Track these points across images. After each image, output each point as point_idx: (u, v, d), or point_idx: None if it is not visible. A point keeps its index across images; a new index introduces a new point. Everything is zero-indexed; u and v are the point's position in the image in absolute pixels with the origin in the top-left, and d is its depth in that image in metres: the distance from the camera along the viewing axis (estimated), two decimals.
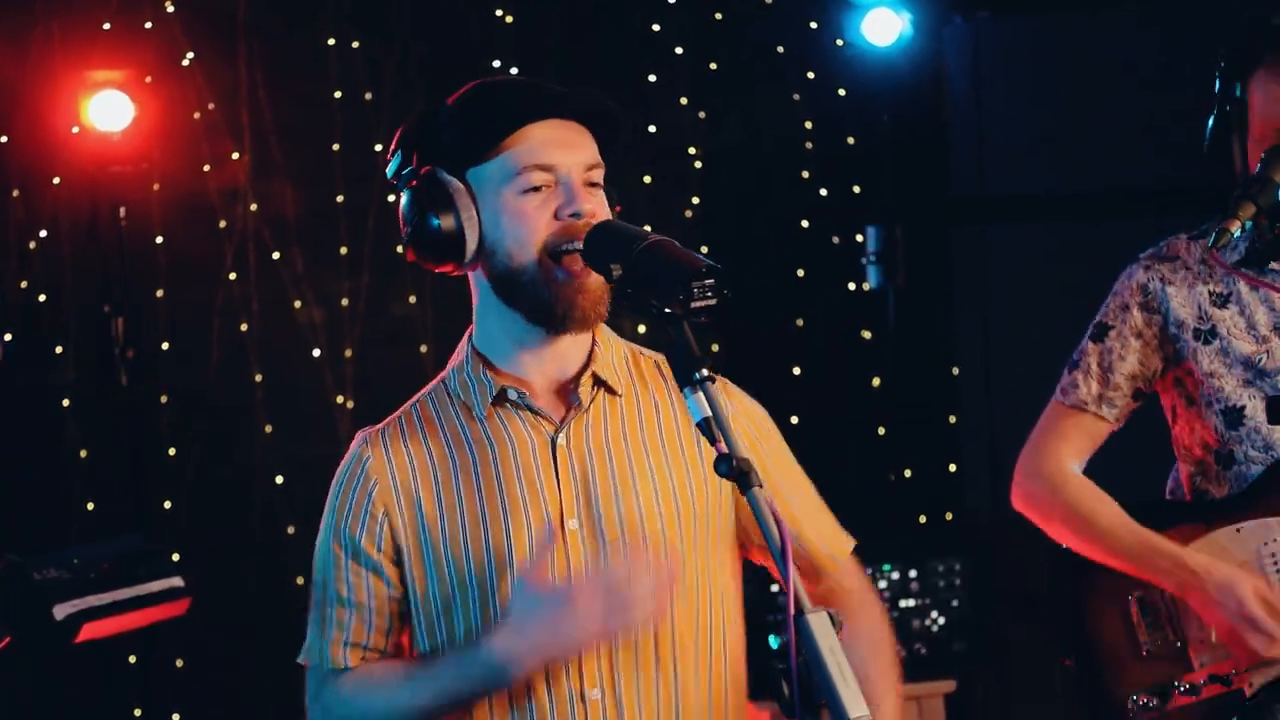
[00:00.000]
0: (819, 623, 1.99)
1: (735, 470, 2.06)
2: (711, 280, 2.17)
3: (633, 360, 2.46)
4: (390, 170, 2.39)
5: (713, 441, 2.08)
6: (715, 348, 5.72)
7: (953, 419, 6.00)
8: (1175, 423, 3.19)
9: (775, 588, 4.67)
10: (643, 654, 2.33)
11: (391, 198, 5.18)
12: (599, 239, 2.29)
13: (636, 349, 2.49)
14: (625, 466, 2.37)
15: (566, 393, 2.38)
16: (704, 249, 5.61)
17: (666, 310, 2.16)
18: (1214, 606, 2.98)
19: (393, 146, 2.40)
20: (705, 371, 2.13)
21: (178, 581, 4.02)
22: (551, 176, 2.30)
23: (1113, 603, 3.08)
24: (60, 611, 3.67)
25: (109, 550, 3.95)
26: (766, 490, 2.05)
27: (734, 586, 2.47)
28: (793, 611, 2.00)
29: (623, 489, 2.35)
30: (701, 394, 2.11)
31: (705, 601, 2.39)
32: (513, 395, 2.35)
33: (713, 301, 2.17)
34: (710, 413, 2.10)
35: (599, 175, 2.36)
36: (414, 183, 2.33)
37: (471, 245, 2.31)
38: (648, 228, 5.75)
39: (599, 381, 2.39)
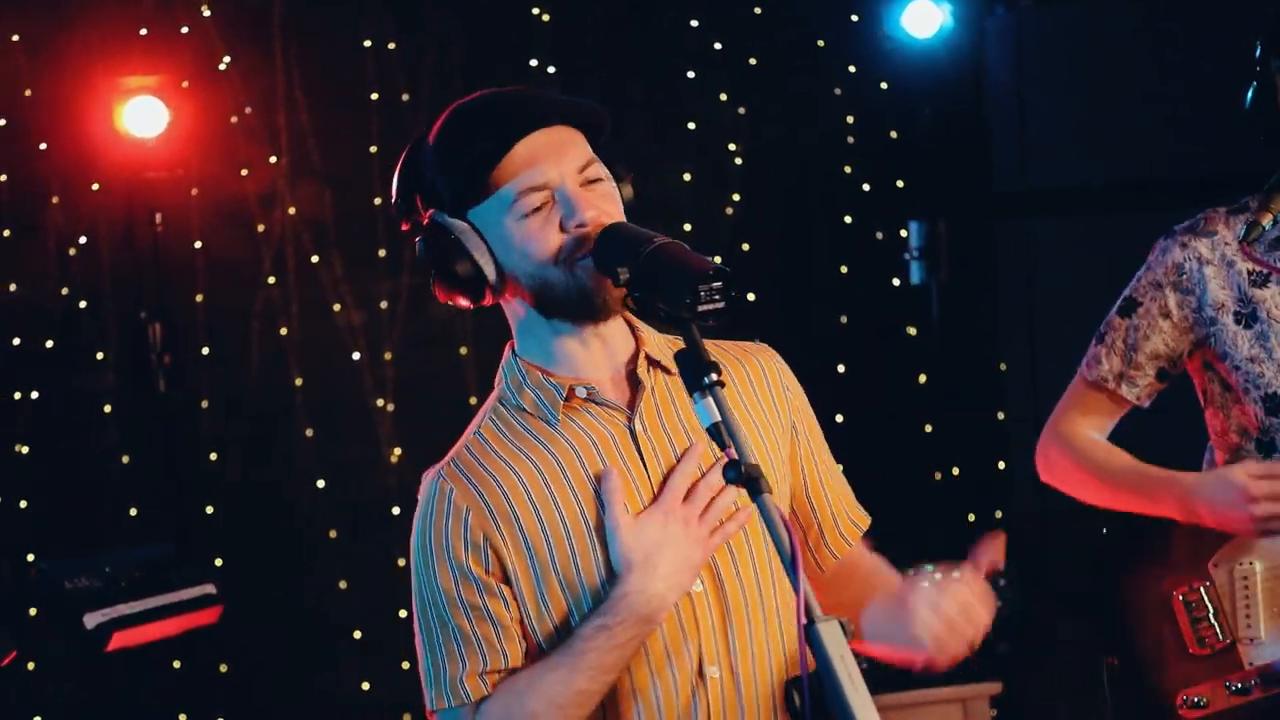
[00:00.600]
0: (830, 631, 1.96)
1: (744, 476, 2.04)
2: (719, 283, 2.14)
3: (673, 345, 2.40)
4: (396, 216, 2.39)
5: (723, 447, 2.06)
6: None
7: (1000, 415, 5.91)
8: (1208, 406, 3.10)
9: None
10: (755, 629, 2.32)
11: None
12: (606, 242, 2.26)
13: (672, 338, 2.45)
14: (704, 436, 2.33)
15: (625, 380, 2.36)
16: (745, 246, 5.68)
17: (675, 314, 2.14)
18: (1221, 509, 2.91)
19: (394, 193, 2.39)
20: (715, 376, 2.10)
21: (210, 589, 4.01)
22: (546, 194, 2.27)
23: (1157, 600, 3.02)
24: (91, 620, 3.66)
25: (141, 558, 3.94)
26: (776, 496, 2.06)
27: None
28: (803, 620, 1.97)
29: (705, 459, 2.33)
30: (711, 399, 2.09)
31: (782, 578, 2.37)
32: (581, 393, 2.32)
33: (720, 305, 2.14)
34: (720, 418, 2.08)
35: (596, 170, 2.32)
36: (423, 233, 2.32)
37: (491, 279, 2.30)
38: (687, 226, 5.68)
39: (653, 361, 2.37)
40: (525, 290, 2.30)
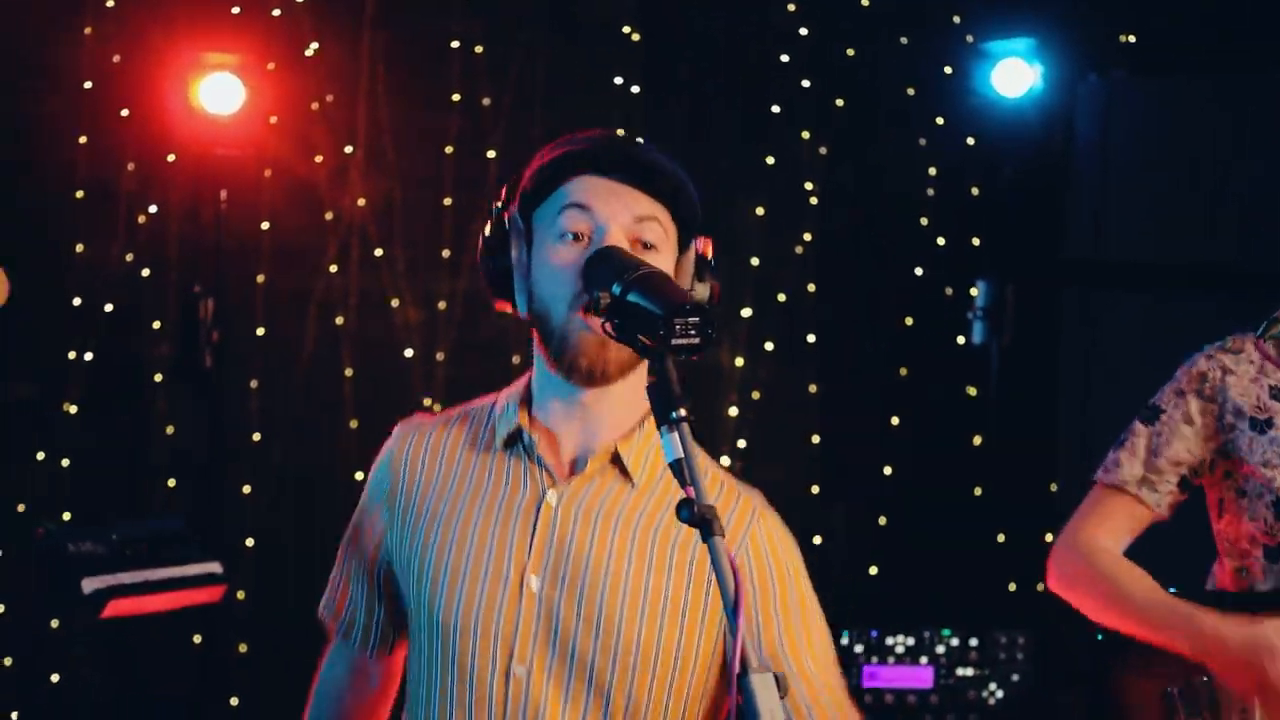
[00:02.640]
0: (762, 683, 1.91)
1: (697, 517, 1.99)
2: (695, 319, 2.09)
3: (712, 479, 2.33)
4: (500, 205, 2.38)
5: (682, 484, 2.01)
6: (813, 389, 5.62)
7: (1054, 487, 5.80)
8: (1221, 516, 3.04)
9: None
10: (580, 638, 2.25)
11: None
12: (595, 265, 2.23)
13: (723, 476, 2.36)
14: (609, 550, 2.26)
15: (578, 457, 2.31)
16: (811, 287, 5.60)
17: (647, 344, 2.10)
18: (1236, 669, 2.81)
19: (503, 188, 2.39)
20: (683, 411, 2.06)
21: (215, 568, 4.01)
22: (590, 224, 2.24)
23: (1153, 693, 2.93)
24: (88, 585, 3.67)
25: (150, 529, 3.95)
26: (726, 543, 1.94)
27: None
28: (736, 670, 1.93)
29: (595, 567, 2.25)
30: (677, 435, 2.04)
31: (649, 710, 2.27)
32: (525, 439, 2.30)
33: (695, 341, 2.09)
34: (683, 454, 2.03)
35: (654, 234, 2.26)
36: (491, 218, 2.33)
37: (519, 286, 2.28)
38: (755, 261, 5.60)
39: (616, 459, 2.30)
40: (535, 311, 2.28)
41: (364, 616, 2.49)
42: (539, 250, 2.27)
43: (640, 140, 2.34)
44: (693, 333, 2.10)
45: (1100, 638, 3.01)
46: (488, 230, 2.32)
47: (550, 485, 2.29)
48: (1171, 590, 2.96)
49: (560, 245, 2.25)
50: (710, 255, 2.33)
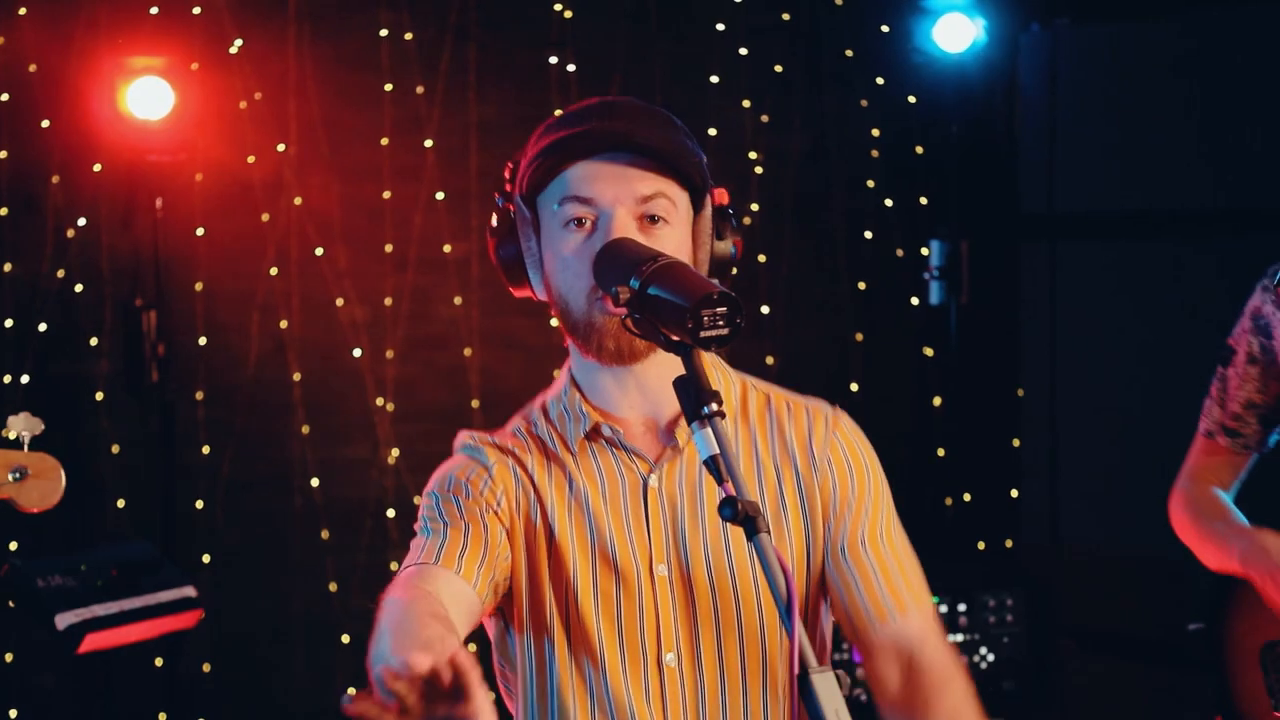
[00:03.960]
0: (824, 683, 1.85)
1: (741, 515, 1.92)
2: (724, 308, 2.00)
3: (742, 397, 2.33)
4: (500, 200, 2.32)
5: (720, 481, 1.94)
6: (770, 360, 5.54)
7: (1016, 443, 5.77)
8: None
9: None
10: (723, 618, 2.25)
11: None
12: (607, 259, 2.14)
13: (750, 382, 2.36)
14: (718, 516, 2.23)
15: (662, 432, 2.27)
16: (762, 257, 5.52)
17: (674, 339, 2.02)
18: (1259, 573, 2.82)
19: (506, 171, 2.31)
20: (715, 406, 1.98)
21: (189, 591, 3.87)
22: (592, 211, 2.18)
23: (1249, 655, 2.89)
24: (62, 621, 3.52)
25: (119, 556, 3.80)
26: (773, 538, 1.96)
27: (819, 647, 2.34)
28: (796, 671, 1.85)
29: (713, 538, 2.24)
30: (710, 430, 1.97)
31: (782, 657, 2.27)
32: (606, 432, 2.25)
33: (725, 331, 2.01)
34: (718, 450, 1.96)
35: (664, 208, 2.19)
36: (497, 206, 2.28)
37: (534, 277, 2.25)
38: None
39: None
40: (556, 305, 2.24)
41: (485, 553, 2.20)
42: (548, 238, 2.22)
43: (631, 103, 2.24)
44: (721, 323, 2.02)
45: (1205, 595, 2.96)
46: (494, 221, 2.27)
47: (647, 470, 2.25)
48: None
49: (566, 234, 2.19)
50: (728, 203, 2.27)
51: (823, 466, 2.30)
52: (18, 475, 2.46)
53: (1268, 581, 2.80)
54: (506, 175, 2.29)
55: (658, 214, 2.19)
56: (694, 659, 2.23)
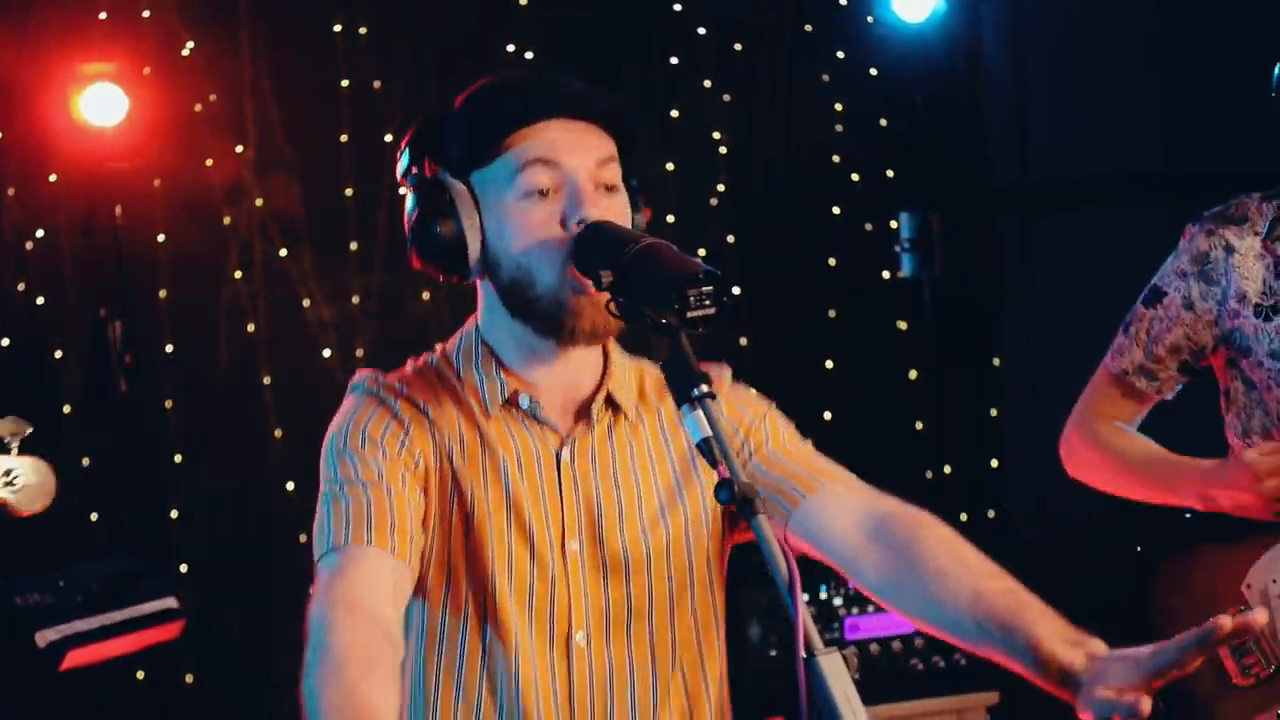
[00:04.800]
0: (831, 665, 1.82)
1: (738, 496, 1.90)
2: (710, 287, 1.98)
3: (638, 376, 2.32)
4: (399, 171, 2.24)
5: (713, 464, 1.92)
6: (743, 341, 5.50)
7: (994, 412, 5.75)
8: (1229, 408, 2.93)
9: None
10: (634, 597, 2.24)
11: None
12: (588, 241, 2.11)
13: (639, 363, 2.34)
14: (632, 491, 2.23)
15: (577, 408, 2.24)
16: (730, 238, 5.49)
17: (662, 320, 1.99)
18: (1235, 491, 2.77)
19: (402, 145, 2.24)
20: (705, 388, 1.95)
21: (171, 603, 3.82)
22: (557, 177, 2.13)
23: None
24: (43, 638, 3.47)
25: (98, 570, 3.75)
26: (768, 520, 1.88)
27: (719, 619, 2.33)
28: (802, 654, 1.82)
29: (628, 514, 2.22)
30: (701, 412, 1.94)
31: (691, 632, 2.27)
32: (524, 403, 2.20)
33: (711, 311, 2.00)
34: (710, 432, 1.94)
35: (614, 175, 2.18)
36: (417, 186, 2.18)
37: (474, 254, 2.16)
38: (670, 218, 5.50)
39: (612, 403, 2.24)
40: (504, 278, 2.16)
41: (411, 524, 2.13)
42: (495, 212, 2.14)
43: (559, 71, 2.23)
44: (708, 302, 2.00)
45: (1140, 549, 2.91)
46: (417, 198, 2.16)
47: (559, 443, 2.20)
48: None
49: (527, 204, 2.13)
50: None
51: (724, 407, 2.30)
52: (9, 479, 2.41)
53: (1253, 489, 2.75)
54: (416, 147, 2.21)
55: (610, 181, 2.17)
56: (604, 638, 2.20)
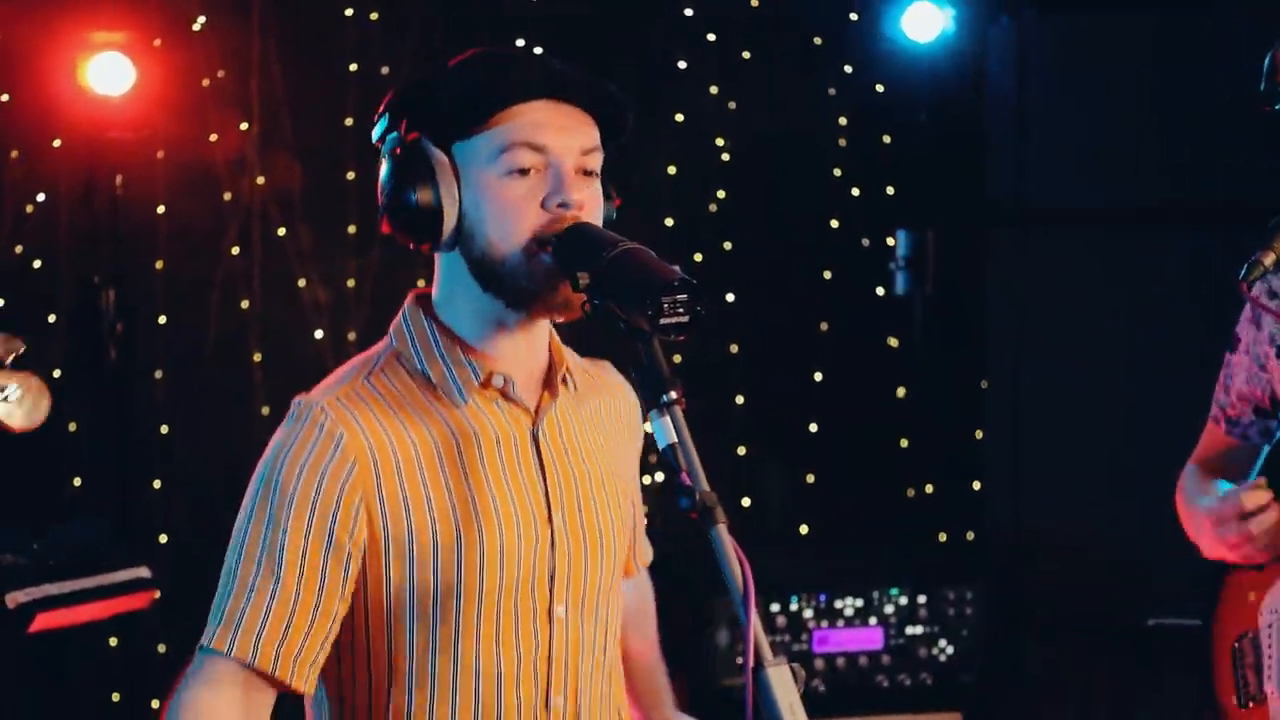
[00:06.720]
0: (779, 677, 1.85)
1: (699, 504, 1.92)
2: (684, 295, 1.99)
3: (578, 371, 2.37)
4: (375, 134, 2.22)
5: (677, 470, 1.94)
6: (734, 349, 5.51)
7: (979, 434, 5.76)
8: None
9: None
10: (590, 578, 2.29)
11: None
12: (570, 242, 2.12)
13: (584, 363, 2.42)
14: (595, 466, 2.28)
15: (537, 383, 2.25)
16: (727, 245, 5.50)
17: (636, 326, 2.00)
18: (1230, 535, 2.71)
19: (380, 108, 2.22)
20: (674, 395, 1.97)
21: (144, 572, 3.84)
22: (541, 159, 2.13)
23: (1224, 651, 2.82)
24: (12, 600, 3.49)
25: (73, 536, 3.76)
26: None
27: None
28: (751, 664, 1.85)
29: (596, 489, 2.27)
30: (669, 418, 1.95)
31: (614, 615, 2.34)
32: (498, 382, 2.20)
33: (685, 319, 2.01)
34: (676, 439, 1.95)
35: (596, 162, 2.18)
36: (396, 150, 2.16)
37: (450, 225, 2.14)
38: (669, 221, 5.53)
39: (568, 372, 2.28)
40: (475, 253, 2.16)
41: (319, 643, 2.17)
42: (475, 185, 2.13)
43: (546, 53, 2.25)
44: (681, 310, 2.01)
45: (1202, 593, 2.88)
46: (395, 163, 2.15)
47: (531, 421, 2.22)
48: None
49: (509, 180, 2.13)
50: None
51: (628, 434, 2.39)
52: (3, 395, 2.41)
53: (1244, 536, 2.68)
54: (395, 110, 2.19)
55: (592, 168, 2.18)
56: (579, 609, 2.23)
